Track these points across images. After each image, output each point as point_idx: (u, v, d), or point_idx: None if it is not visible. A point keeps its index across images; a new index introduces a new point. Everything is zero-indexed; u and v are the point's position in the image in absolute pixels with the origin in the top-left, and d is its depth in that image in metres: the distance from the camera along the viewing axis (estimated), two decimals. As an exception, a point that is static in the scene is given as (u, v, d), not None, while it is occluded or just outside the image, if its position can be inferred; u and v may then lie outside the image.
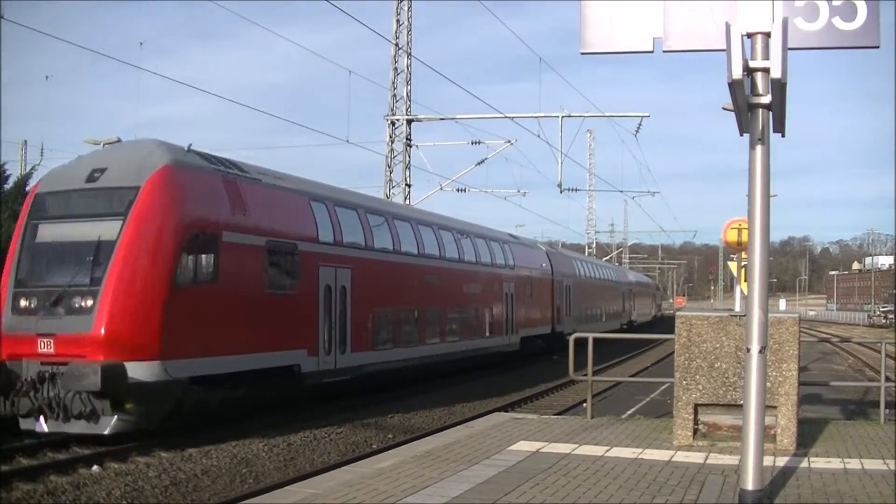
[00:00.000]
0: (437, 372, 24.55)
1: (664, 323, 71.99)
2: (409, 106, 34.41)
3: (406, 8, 33.91)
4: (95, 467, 12.04)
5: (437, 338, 24.04)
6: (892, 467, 8.53)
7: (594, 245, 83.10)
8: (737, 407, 9.44)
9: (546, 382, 24.92)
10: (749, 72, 6.14)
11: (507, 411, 16.90)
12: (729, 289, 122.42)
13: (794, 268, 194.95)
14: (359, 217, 20.44)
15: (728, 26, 5.95)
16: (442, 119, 35.02)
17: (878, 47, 6.28)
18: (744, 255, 13.94)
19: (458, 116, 34.79)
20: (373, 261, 20.54)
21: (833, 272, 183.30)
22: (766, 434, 8.31)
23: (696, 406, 9.93)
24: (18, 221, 15.18)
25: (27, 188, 24.21)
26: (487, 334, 27.92)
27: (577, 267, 41.95)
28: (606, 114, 35.84)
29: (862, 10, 6.23)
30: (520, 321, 30.88)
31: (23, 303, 13.93)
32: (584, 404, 13.17)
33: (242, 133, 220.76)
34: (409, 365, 22.18)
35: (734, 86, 5.95)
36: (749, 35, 6.23)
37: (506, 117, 33.23)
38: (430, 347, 23.54)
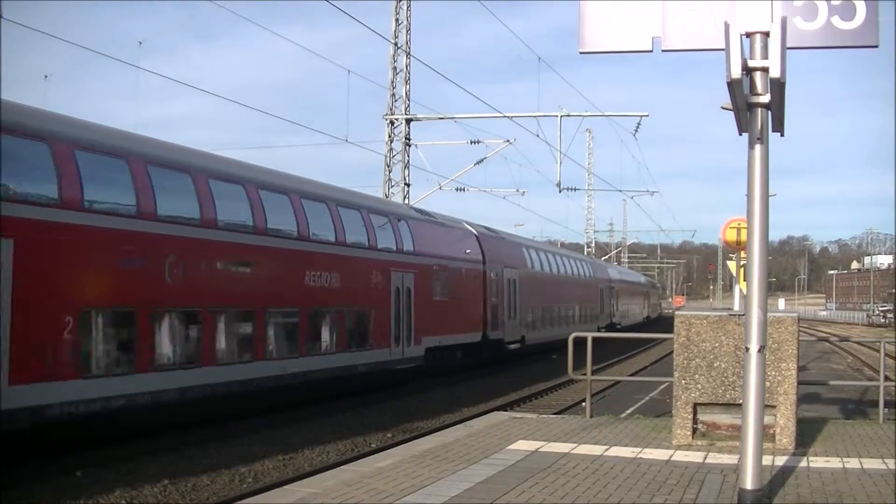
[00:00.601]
0: (256, 407, 16.55)
1: (661, 323, 71.73)
2: (408, 105, 34.42)
3: (405, 7, 33.90)
4: (78, 473, 11.90)
5: (246, 354, 16.12)
6: (892, 467, 8.54)
7: (593, 244, 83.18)
8: (736, 406, 9.44)
9: (545, 382, 24.94)
10: (748, 71, 6.15)
11: (505, 410, 16.91)
12: (728, 288, 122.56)
13: (793, 267, 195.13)
14: (52, 155, 12.31)
15: (727, 25, 5.95)
16: (441, 118, 35.03)
17: (876, 46, 6.29)
18: (743, 254, 13.94)
19: (457, 116, 34.80)
20: (77, 228, 12.62)
21: (832, 271, 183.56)
22: (765, 433, 8.32)
23: (696, 405, 9.93)
24: None
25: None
26: (358, 346, 20.08)
27: (528, 257, 34.19)
28: (605, 113, 35.86)
29: (861, 9, 6.23)
30: (424, 327, 23.23)
31: None
32: (583, 403, 13.16)
33: (242, 133, 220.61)
34: (174, 398, 14.23)
35: (733, 85, 5.95)
36: (748, 34, 6.23)
37: (505, 117, 33.22)
38: (231, 370, 15.61)
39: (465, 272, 26.83)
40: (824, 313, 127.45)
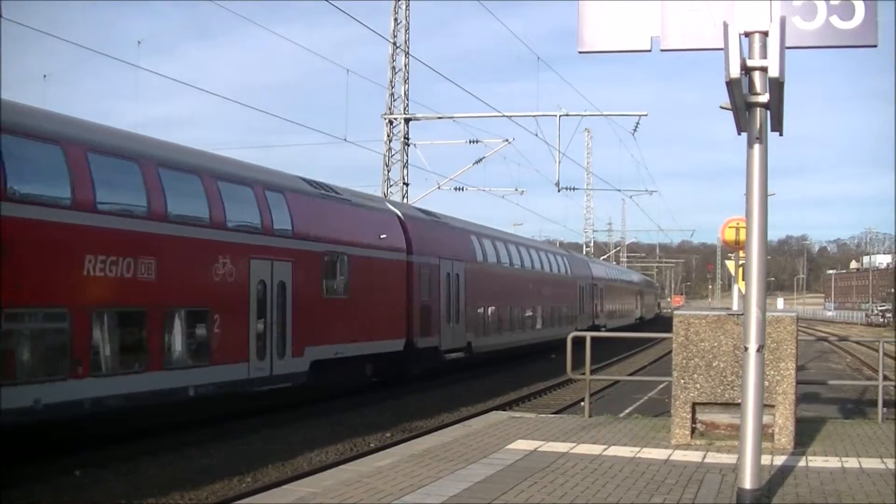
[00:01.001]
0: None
1: (659, 324, 71.54)
2: (407, 105, 34.45)
3: (404, 7, 33.94)
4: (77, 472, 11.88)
5: None
6: (890, 466, 8.54)
7: (592, 244, 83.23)
8: (735, 406, 9.44)
9: (544, 381, 24.95)
10: (747, 71, 6.15)
11: (504, 410, 16.91)
12: (727, 288, 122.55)
13: (792, 267, 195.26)
14: None
15: (726, 25, 5.95)
16: (440, 118, 35.05)
17: (875, 46, 6.29)
18: (742, 253, 13.96)
19: (456, 115, 34.83)
20: None
21: (831, 271, 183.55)
22: (764, 433, 8.31)
23: (694, 405, 9.94)
24: None
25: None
26: (189, 362, 14.72)
27: (479, 247, 28.67)
28: (604, 113, 35.93)
29: (860, 9, 6.23)
30: (309, 333, 17.82)
31: None
32: (582, 403, 13.17)
33: (241, 132, 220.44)
34: None
35: (732, 85, 5.95)
36: (747, 34, 6.23)
37: (504, 116, 33.27)
38: None
39: (378, 263, 21.20)
40: (831, 314, 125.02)
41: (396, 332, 21.95)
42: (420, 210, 26.52)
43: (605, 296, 49.86)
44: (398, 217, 23.20)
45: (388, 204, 23.86)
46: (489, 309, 28.73)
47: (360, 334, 20.07)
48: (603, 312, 48.70)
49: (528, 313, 33.69)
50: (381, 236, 21.61)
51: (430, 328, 23.65)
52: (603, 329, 46.06)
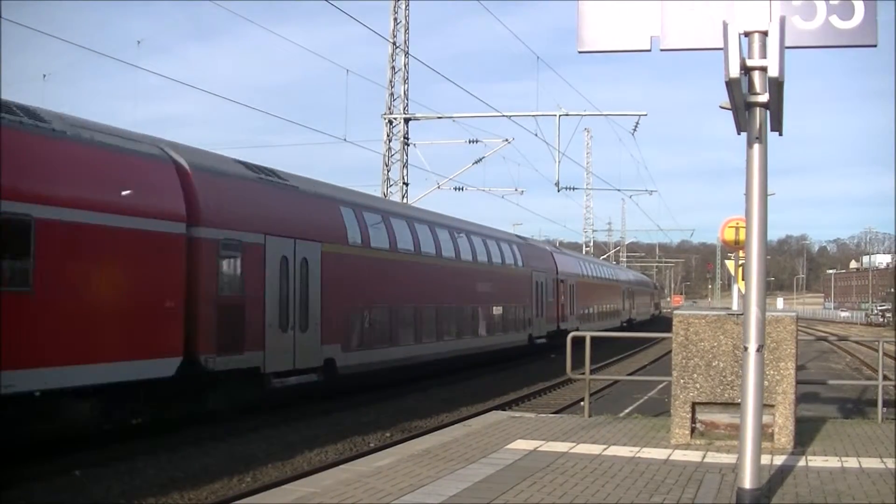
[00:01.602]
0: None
1: (658, 325, 71.51)
2: (407, 105, 34.43)
3: (403, 7, 33.92)
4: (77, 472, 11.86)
5: None
6: (890, 466, 8.54)
7: (591, 244, 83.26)
8: (734, 405, 9.45)
9: (544, 381, 24.95)
10: (746, 70, 6.15)
11: (504, 410, 16.90)
12: (727, 287, 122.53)
13: (791, 266, 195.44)
14: None
15: (725, 25, 5.95)
16: (439, 118, 35.02)
17: (875, 46, 6.29)
18: (741, 253, 13.96)
19: (455, 115, 34.80)
20: None
21: (830, 271, 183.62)
22: (764, 433, 8.31)
23: (694, 405, 9.94)
24: None
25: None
26: None
27: (353, 223, 20.13)
28: (604, 112, 35.92)
29: (859, 8, 6.23)
30: None
31: None
32: (582, 403, 13.17)
33: (240, 132, 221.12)
34: None
35: (731, 84, 5.95)
36: (746, 34, 6.23)
37: (503, 116, 33.27)
38: None
39: (115, 235, 13.02)
40: (846, 314, 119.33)
41: (161, 348, 13.74)
42: (239, 162, 17.20)
43: (576, 294, 41.24)
44: (175, 166, 14.61)
45: (163, 148, 14.82)
46: (371, 312, 20.63)
47: (69, 353, 12.14)
48: (573, 315, 40.10)
49: (445, 317, 25.13)
50: (125, 192, 13.42)
51: (241, 340, 15.53)
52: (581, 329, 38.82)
